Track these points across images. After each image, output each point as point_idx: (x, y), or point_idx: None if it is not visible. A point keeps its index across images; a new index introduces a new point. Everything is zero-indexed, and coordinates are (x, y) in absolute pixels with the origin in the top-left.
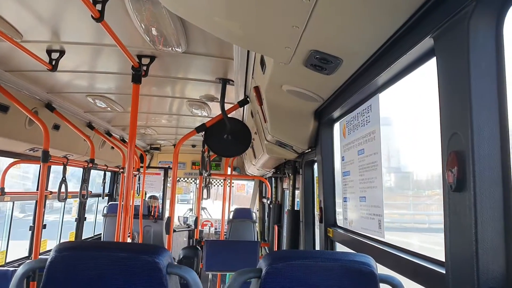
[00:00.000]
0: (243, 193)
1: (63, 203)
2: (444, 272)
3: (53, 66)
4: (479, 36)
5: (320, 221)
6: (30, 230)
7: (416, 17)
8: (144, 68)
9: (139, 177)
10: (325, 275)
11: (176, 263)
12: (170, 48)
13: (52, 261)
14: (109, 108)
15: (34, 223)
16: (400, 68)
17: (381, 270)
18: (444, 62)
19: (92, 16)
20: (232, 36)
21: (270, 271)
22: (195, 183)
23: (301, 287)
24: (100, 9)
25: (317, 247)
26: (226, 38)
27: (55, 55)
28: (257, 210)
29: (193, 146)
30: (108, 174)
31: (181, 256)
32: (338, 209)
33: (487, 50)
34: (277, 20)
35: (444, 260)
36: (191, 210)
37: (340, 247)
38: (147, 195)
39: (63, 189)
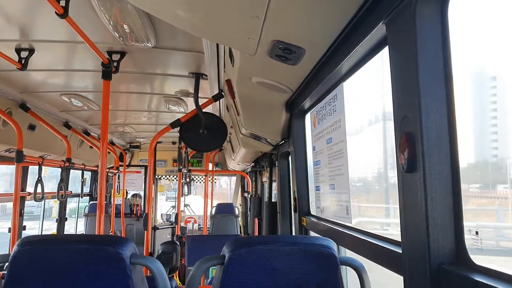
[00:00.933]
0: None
1: (41, 204)
2: (401, 252)
3: (23, 65)
4: (425, 22)
5: (295, 211)
6: (9, 232)
7: (369, 3)
8: (115, 64)
9: (118, 175)
10: (287, 258)
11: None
12: (139, 43)
13: (14, 255)
14: (85, 107)
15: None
16: (360, 56)
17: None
18: (395, 48)
19: (56, 12)
20: (196, 29)
21: (233, 257)
22: (177, 180)
23: (264, 271)
24: (64, 5)
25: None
26: (191, 31)
27: (24, 54)
28: (240, 205)
29: (173, 143)
30: (89, 173)
31: (160, 252)
32: (312, 199)
33: (433, 36)
34: (237, 11)
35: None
36: (173, 207)
37: (314, 234)
38: (129, 194)
39: (39, 190)
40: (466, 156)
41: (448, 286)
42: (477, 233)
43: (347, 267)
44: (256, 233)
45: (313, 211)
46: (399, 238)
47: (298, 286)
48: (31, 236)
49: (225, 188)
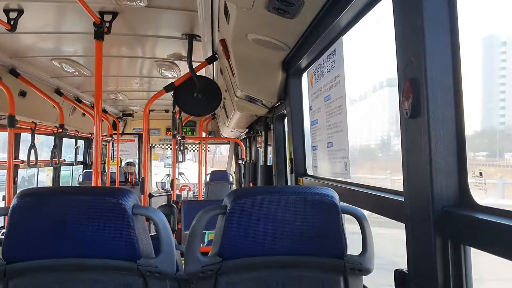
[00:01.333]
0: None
1: (36, 170)
2: (403, 199)
3: (12, 26)
4: None
5: (291, 172)
6: (3, 199)
7: None
8: (107, 24)
9: (112, 143)
10: (288, 208)
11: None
12: (132, 2)
13: (14, 207)
14: (77, 73)
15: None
16: (361, 5)
17: None
18: None
19: None
20: None
21: (235, 207)
22: (171, 149)
23: (265, 220)
24: None
25: None
26: None
27: (13, 15)
28: (234, 172)
29: (166, 111)
30: (82, 142)
31: None
32: (308, 160)
33: None
34: None
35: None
36: (168, 175)
37: None
38: (123, 162)
39: (33, 157)
40: (472, 123)
41: (451, 227)
42: (481, 174)
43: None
44: None
45: (309, 171)
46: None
47: (300, 234)
48: (31, 188)
49: (225, 155)
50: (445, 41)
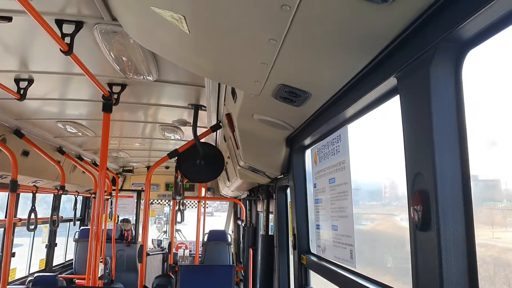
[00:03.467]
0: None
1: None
2: None
3: (21, 95)
4: (439, 79)
5: (294, 248)
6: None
7: (380, 57)
8: (115, 96)
9: (111, 201)
10: None
11: None
12: (141, 77)
13: None
14: (79, 133)
15: (2, 251)
16: (367, 102)
17: None
18: (407, 102)
19: (60, 49)
20: (201, 70)
21: None
22: (169, 204)
23: None
24: (69, 42)
25: (292, 274)
26: (196, 71)
27: (23, 84)
28: (232, 232)
29: (167, 167)
30: (80, 198)
31: (154, 285)
32: (312, 236)
33: (448, 92)
34: (246, 58)
35: None
36: (165, 232)
37: (314, 274)
38: (119, 219)
39: (32, 217)
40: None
41: None
42: None
43: None
44: (251, 265)
45: (313, 248)
46: None
47: None
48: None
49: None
50: (455, 154)
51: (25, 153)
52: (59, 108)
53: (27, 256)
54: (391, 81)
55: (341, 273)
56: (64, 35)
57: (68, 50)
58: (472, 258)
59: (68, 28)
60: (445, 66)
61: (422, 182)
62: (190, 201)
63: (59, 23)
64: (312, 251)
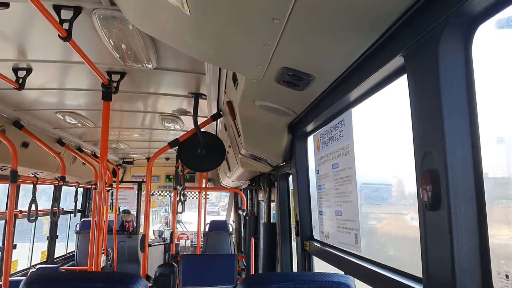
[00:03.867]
0: None
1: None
2: None
3: (20, 85)
4: (448, 56)
5: (297, 235)
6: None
7: (386, 36)
8: (115, 84)
9: (112, 192)
10: None
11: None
12: (140, 64)
13: None
14: (79, 124)
15: (3, 244)
16: (372, 84)
17: (357, 283)
18: (415, 81)
19: (59, 35)
20: (202, 54)
21: None
22: (170, 196)
23: None
24: (67, 28)
25: (294, 261)
26: (197, 56)
27: (21, 73)
28: (233, 222)
29: (167, 159)
30: (80, 190)
31: (157, 274)
32: (315, 223)
33: (457, 69)
34: (248, 40)
35: (421, 276)
36: (166, 223)
37: (317, 260)
38: (120, 210)
39: (33, 209)
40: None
41: None
42: (507, 276)
43: None
44: (253, 253)
45: (316, 235)
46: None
47: None
48: (40, 273)
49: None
50: (465, 132)
51: (25, 145)
52: (58, 98)
53: (29, 247)
54: (398, 60)
55: (346, 258)
56: (62, 21)
57: (66, 37)
58: (484, 236)
59: (66, 14)
60: (455, 42)
61: (432, 161)
62: (191, 192)
63: (57, 8)
64: (315, 238)
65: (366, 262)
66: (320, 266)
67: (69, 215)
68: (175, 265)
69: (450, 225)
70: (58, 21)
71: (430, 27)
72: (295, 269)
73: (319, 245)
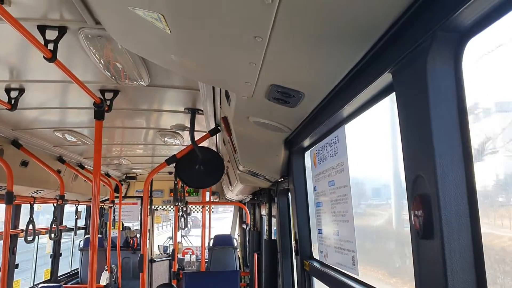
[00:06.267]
0: None
1: (36, 238)
2: None
3: (12, 105)
4: (437, 72)
5: (296, 253)
6: None
7: (373, 52)
8: (108, 102)
9: (114, 208)
10: None
11: None
12: (133, 82)
13: None
14: (79, 142)
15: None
16: (363, 101)
17: None
18: (403, 100)
19: (44, 56)
20: (190, 72)
21: None
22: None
23: None
24: (52, 48)
25: (296, 279)
26: (185, 74)
27: (14, 94)
28: (238, 235)
29: (170, 173)
30: (84, 207)
31: None
32: (314, 241)
33: (447, 88)
34: (232, 58)
35: None
36: (171, 238)
37: (317, 280)
38: (124, 226)
39: (30, 228)
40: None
41: None
42: None
43: None
44: (256, 270)
45: (315, 253)
46: None
47: None
48: None
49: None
50: (457, 154)
51: (24, 164)
52: (55, 117)
53: (32, 266)
54: (386, 77)
55: (344, 281)
56: (47, 42)
57: (51, 57)
58: (481, 269)
59: (51, 34)
60: (444, 57)
61: (423, 185)
62: (196, 207)
63: (42, 29)
64: (314, 257)
65: (364, 286)
66: (321, 286)
67: (72, 234)
68: (174, 286)
69: (443, 257)
70: (43, 42)
71: (418, 42)
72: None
73: (318, 265)
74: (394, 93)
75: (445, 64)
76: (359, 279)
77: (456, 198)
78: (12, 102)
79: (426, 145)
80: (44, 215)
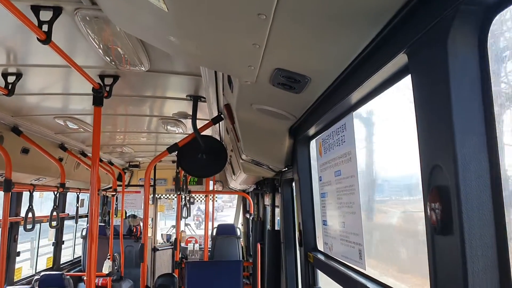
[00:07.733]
0: None
1: (38, 226)
2: None
3: (9, 91)
4: (460, 52)
5: (300, 245)
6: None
7: (386, 31)
8: (107, 88)
9: (116, 197)
10: None
11: None
12: (133, 67)
13: None
14: (81, 129)
15: None
16: (374, 86)
17: None
18: (420, 83)
19: (37, 38)
20: (191, 56)
21: None
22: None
23: None
24: (46, 30)
25: (299, 271)
26: (186, 58)
27: (11, 79)
28: (242, 225)
29: (174, 162)
30: (87, 195)
31: (157, 285)
32: (318, 232)
33: (470, 68)
34: (235, 39)
35: None
36: (174, 226)
37: (321, 272)
38: (128, 214)
39: (30, 216)
40: None
41: None
42: None
43: None
44: (259, 260)
45: (319, 244)
46: None
47: None
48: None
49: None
50: (481, 142)
51: (25, 151)
52: (55, 104)
53: (34, 254)
54: (401, 59)
55: (350, 274)
56: (41, 23)
57: (46, 39)
58: (505, 270)
59: (46, 15)
60: (467, 35)
61: (441, 176)
62: (199, 196)
63: (36, 9)
64: (319, 249)
65: (370, 281)
66: (326, 278)
67: (74, 221)
68: (175, 276)
69: (463, 255)
70: (36, 23)
71: (437, 18)
72: (300, 279)
73: (322, 258)
74: (408, 76)
75: (469, 43)
76: (365, 273)
77: (478, 190)
78: (9, 88)
79: (445, 132)
80: (48, 203)
